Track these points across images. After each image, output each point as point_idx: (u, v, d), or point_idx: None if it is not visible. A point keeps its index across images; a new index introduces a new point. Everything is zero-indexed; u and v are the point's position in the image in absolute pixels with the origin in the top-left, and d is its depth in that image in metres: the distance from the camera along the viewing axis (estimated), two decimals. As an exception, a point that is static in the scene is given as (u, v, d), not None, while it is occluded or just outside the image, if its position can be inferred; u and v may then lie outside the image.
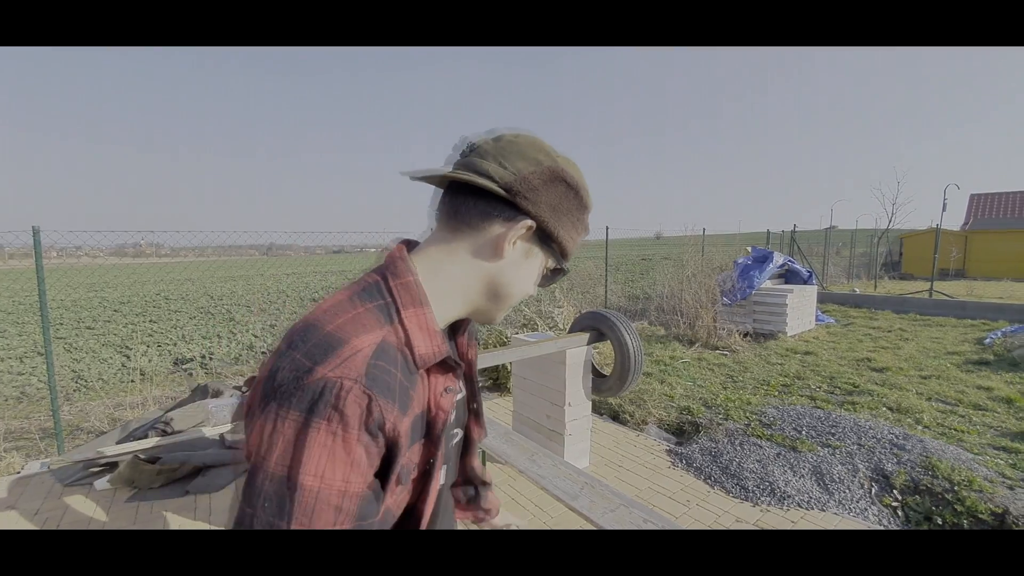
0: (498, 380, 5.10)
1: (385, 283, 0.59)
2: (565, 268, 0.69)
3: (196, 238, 5.14)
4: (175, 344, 8.24)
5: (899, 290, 12.06)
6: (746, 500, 2.90)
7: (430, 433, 0.60)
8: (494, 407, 4.56)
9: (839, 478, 3.03)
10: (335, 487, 0.48)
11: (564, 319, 6.47)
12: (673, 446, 3.67)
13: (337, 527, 0.49)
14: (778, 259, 7.37)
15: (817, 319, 7.88)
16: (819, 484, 3.01)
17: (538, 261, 0.66)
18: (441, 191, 0.66)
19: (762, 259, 7.37)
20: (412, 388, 0.56)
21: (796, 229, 11.12)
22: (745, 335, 6.95)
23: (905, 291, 11.38)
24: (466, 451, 0.84)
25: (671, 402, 4.40)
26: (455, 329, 0.72)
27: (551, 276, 0.70)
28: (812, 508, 2.80)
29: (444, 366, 0.62)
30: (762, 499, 2.89)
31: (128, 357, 7.25)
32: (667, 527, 1.79)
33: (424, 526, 0.62)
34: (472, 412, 0.79)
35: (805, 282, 7.64)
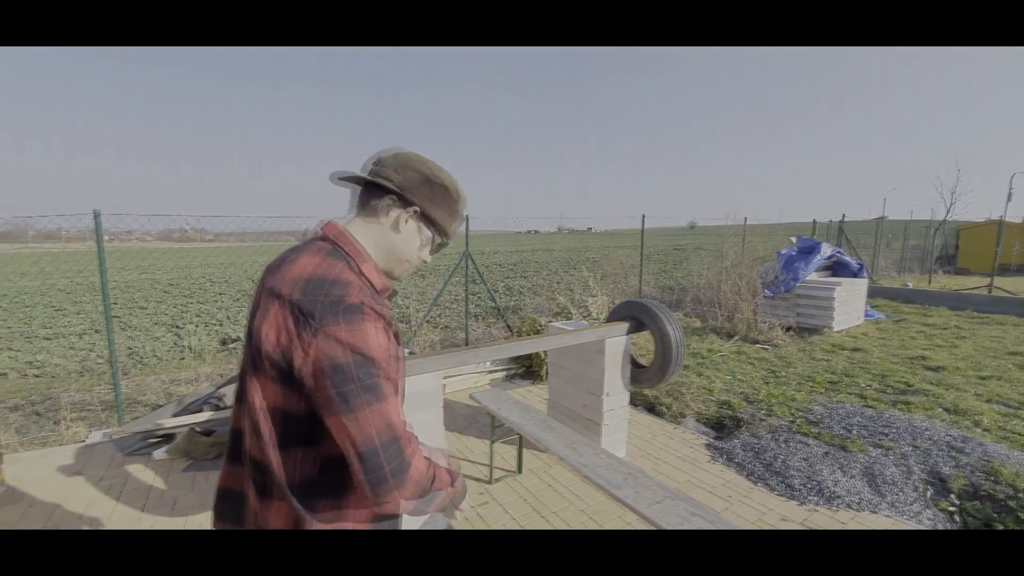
0: (531, 367, 5.09)
1: (340, 248, 0.91)
2: (445, 241, 1.04)
3: (235, 223, 5.26)
4: (221, 324, 8.59)
5: (955, 285, 11.37)
6: (792, 498, 2.81)
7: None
8: (526, 395, 4.56)
9: (892, 480, 2.89)
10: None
11: (598, 308, 6.40)
12: (712, 440, 3.58)
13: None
14: (826, 250, 7.04)
15: (866, 314, 7.51)
16: (870, 485, 2.88)
17: (425, 236, 1.01)
18: (359, 189, 0.99)
19: (808, 250, 7.05)
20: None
21: (845, 219, 10.59)
22: (787, 329, 6.70)
23: (962, 286, 10.72)
24: None
25: (710, 395, 4.30)
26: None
27: (437, 247, 1.05)
28: (863, 509, 2.68)
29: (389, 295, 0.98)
30: (809, 498, 2.79)
31: (179, 336, 7.61)
32: (716, 522, 1.75)
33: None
34: None
35: (855, 275, 7.27)
